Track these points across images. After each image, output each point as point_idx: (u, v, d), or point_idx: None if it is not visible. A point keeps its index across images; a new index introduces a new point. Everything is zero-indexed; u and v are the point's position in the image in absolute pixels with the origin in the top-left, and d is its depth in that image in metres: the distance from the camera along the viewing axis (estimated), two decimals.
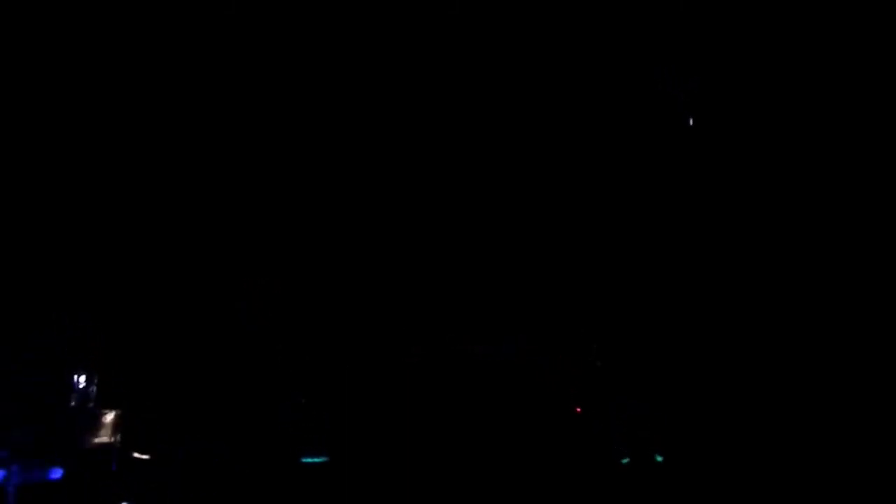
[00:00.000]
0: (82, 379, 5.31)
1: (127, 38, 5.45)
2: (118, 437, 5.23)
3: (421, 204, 5.78)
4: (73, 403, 5.24)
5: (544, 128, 5.78)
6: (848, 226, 5.70)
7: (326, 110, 5.74)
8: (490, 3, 5.53)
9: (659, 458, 5.55)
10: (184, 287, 5.59)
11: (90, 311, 5.47)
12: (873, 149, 5.70)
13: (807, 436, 5.39)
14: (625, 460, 5.56)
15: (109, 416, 5.27)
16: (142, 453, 5.27)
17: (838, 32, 5.62)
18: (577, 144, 5.80)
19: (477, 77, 5.68)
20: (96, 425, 5.24)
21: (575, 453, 5.59)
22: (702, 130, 5.84)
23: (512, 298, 5.80)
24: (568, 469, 5.52)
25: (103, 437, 5.22)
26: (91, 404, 5.30)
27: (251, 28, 5.57)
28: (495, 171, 5.78)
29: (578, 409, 5.68)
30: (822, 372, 5.55)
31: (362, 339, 5.73)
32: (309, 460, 5.45)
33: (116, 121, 5.53)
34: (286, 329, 5.70)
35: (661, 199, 5.84)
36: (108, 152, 5.54)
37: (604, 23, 5.66)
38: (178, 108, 5.59)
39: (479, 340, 5.77)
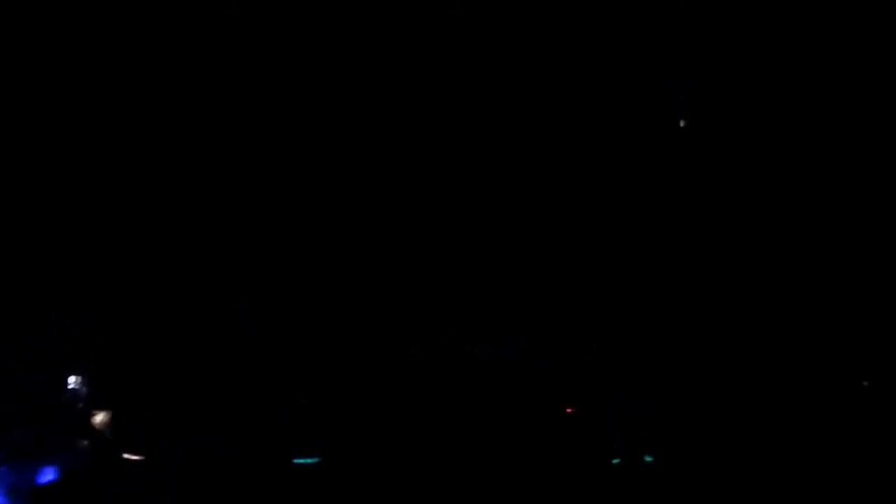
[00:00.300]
0: (80, 379, 5.31)
1: (127, 38, 5.46)
2: (115, 438, 5.23)
3: (421, 204, 5.78)
4: (69, 404, 5.24)
5: (544, 128, 5.78)
6: (849, 226, 5.70)
7: (326, 110, 5.74)
8: (490, 3, 5.54)
9: (648, 459, 5.54)
10: (183, 287, 5.60)
11: (90, 311, 5.47)
12: (875, 149, 5.70)
13: (806, 438, 5.39)
14: (615, 461, 5.55)
15: (107, 417, 5.26)
16: (139, 454, 5.27)
17: (839, 32, 5.62)
18: (576, 144, 5.80)
19: (476, 77, 5.69)
20: (93, 426, 5.24)
21: (574, 454, 5.59)
22: (702, 131, 5.84)
23: (512, 298, 5.80)
24: (568, 469, 5.51)
25: (100, 438, 5.22)
26: (87, 405, 5.29)
27: (251, 28, 5.57)
28: (495, 170, 5.78)
29: (569, 410, 5.67)
30: (822, 374, 5.55)
31: (362, 339, 5.73)
32: (300, 461, 5.45)
33: (116, 121, 5.53)
34: (286, 329, 5.70)
35: (661, 200, 5.84)
36: (109, 152, 5.55)
37: (604, 23, 5.66)
38: (178, 108, 5.60)
39: (479, 340, 5.76)
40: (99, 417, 5.30)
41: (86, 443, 5.24)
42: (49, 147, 5.42)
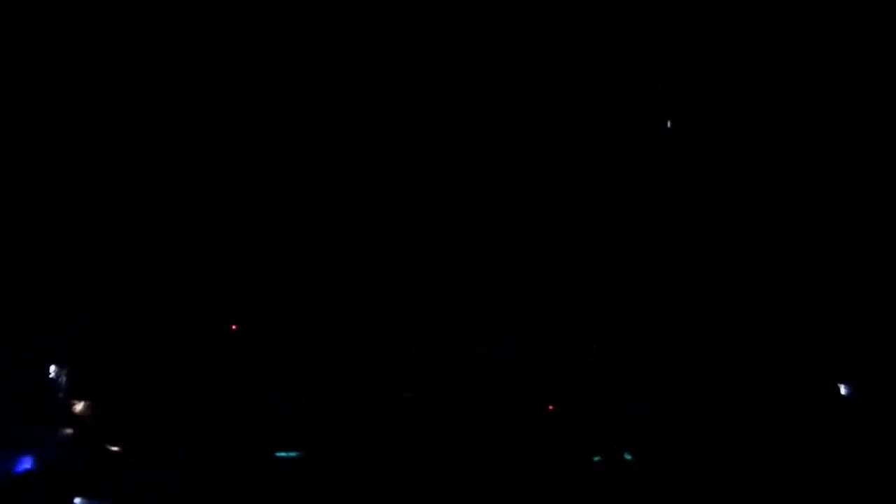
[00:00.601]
0: (62, 369, 5.31)
1: (127, 38, 5.46)
2: (98, 428, 5.21)
3: (420, 204, 5.78)
4: (52, 393, 5.23)
5: (543, 128, 5.78)
6: (849, 226, 5.70)
7: (326, 110, 5.74)
8: (489, 3, 5.54)
9: (628, 457, 5.54)
10: (183, 287, 5.60)
11: (90, 311, 5.47)
12: (876, 149, 5.70)
13: (803, 440, 5.39)
14: (596, 458, 5.54)
15: (89, 406, 5.26)
16: (131, 448, 5.26)
17: (840, 32, 5.62)
18: (576, 144, 5.80)
19: (475, 77, 5.69)
20: (76, 415, 5.23)
21: (572, 455, 5.58)
22: (702, 131, 5.84)
23: (512, 298, 5.80)
24: (565, 469, 5.51)
25: (83, 428, 5.21)
26: (70, 395, 5.29)
27: (251, 28, 5.57)
28: (494, 170, 5.78)
29: (551, 407, 5.66)
30: (820, 376, 5.55)
31: (362, 339, 5.73)
32: (283, 455, 5.44)
33: (116, 120, 5.54)
34: (286, 329, 5.70)
35: (661, 200, 5.84)
36: (108, 152, 5.55)
37: (604, 23, 5.66)
38: (178, 108, 5.60)
39: (479, 340, 5.76)
40: (81, 407, 5.29)
41: (68, 433, 5.24)
42: (49, 147, 5.42)
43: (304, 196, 5.74)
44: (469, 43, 5.62)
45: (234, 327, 5.59)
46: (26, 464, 4.98)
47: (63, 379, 5.31)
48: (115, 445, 5.25)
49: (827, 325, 5.61)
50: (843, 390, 5.53)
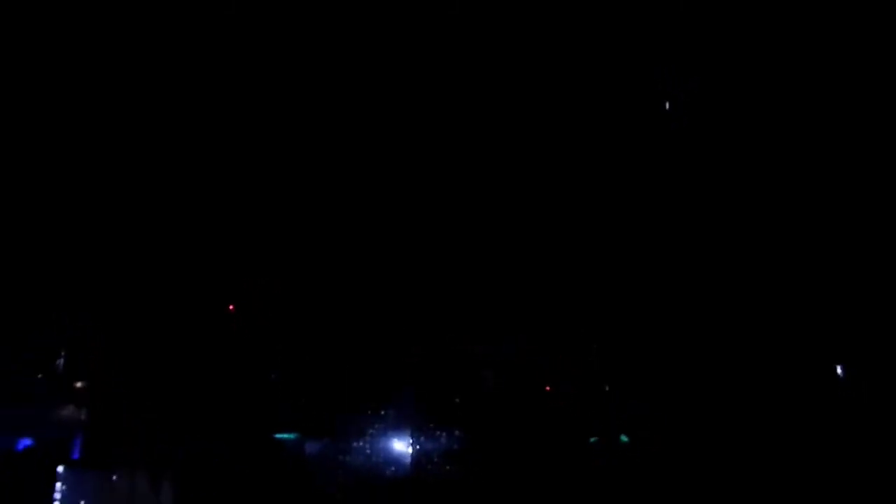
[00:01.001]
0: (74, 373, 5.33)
1: (126, 38, 5.46)
2: (94, 407, 5.25)
3: (420, 204, 5.78)
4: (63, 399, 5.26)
5: (543, 128, 5.78)
6: (849, 228, 5.70)
7: (326, 110, 5.74)
8: (489, 2, 5.54)
9: (624, 439, 5.56)
10: (183, 287, 5.60)
11: (90, 311, 5.48)
12: (877, 149, 5.70)
13: (805, 440, 5.40)
14: (593, 439, 5.57)
15: (84, 386, 5.28)
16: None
17: (840, 32, 5.62)
18: (576, 144, 5.80)
19: (475, 77, 5.69)
20: (72, 396, 5.26)
21: (572, 449, 5.60)
22: (702, 131, 5.84)
23: (512, 298, 5.80)
24: (566, 466, 5.53)
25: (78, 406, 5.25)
26: (67, 376, 5.31)
27: (251, 28, 5.57)
28: (494, 170, 5.78)
29: (548, 388, 5.68)
30: (818, 375, 5.56)
31: (362, 339, 5.73)
32: (282, 436, 5.47)
33: (116, 120, 5.53)
34: (286, 329, 5.71)
35: (661, 200, 5.84)
36: (108, 152, 5.55)
37: (604, 23, 5.66)
38: (178, 108, 5.60)
39: (479, 340, 5.77)
40: (81, 404, 5.32)
41: (64, 412, 5.27)
42: (49, 147, 5.42)
43: (304, 196, 5.75)
44: (470, 43, 5.62)
45: (231, 308, 5.60)
46: (25, 442, 5.05)
47: (64, 378, 5.33)
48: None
49: (825, 323, 5.62)
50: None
